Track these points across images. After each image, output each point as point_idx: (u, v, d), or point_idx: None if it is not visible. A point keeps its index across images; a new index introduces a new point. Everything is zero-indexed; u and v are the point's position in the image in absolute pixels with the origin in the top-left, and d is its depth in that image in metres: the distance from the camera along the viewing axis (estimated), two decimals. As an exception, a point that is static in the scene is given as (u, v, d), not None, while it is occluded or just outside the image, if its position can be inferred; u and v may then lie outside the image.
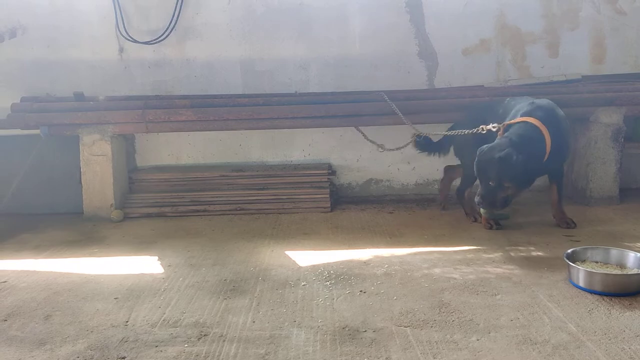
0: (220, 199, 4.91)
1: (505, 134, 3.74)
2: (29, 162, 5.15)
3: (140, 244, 4.02)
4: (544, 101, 3.95)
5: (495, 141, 3.73)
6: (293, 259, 3.57)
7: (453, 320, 2.59)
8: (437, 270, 3.25)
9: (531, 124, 3.69)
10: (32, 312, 2.80)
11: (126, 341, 2.45)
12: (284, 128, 4.94)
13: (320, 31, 5.18)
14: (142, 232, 4.36)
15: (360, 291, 2.99)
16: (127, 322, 2.66)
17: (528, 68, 5.21)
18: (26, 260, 3.71)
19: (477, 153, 3.74)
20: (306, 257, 3.57)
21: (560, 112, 3.90)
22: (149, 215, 4.84)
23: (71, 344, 2.44)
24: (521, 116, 3.79)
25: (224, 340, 2.44)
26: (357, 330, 2.52)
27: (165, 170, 5.23)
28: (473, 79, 5.11)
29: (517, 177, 3.60)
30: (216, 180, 5.05)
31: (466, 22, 5.12)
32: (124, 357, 2.30)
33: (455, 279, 3.12)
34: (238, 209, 4.84)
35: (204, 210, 4.85)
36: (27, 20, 5.18)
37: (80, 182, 4.90)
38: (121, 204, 4.92)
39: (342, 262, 3.45)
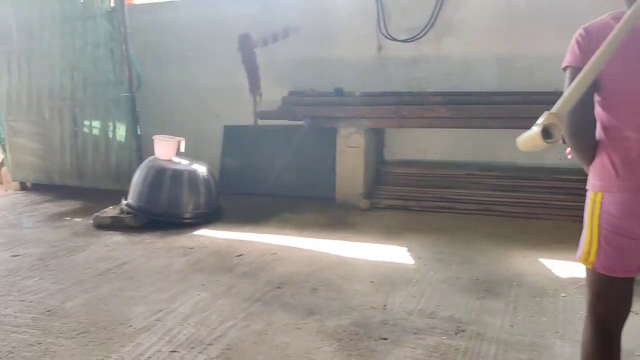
0: (465, 197, 4.84)
1: None
2: (290, 150, 5.71)
3: (388, 234, 4.18)
4: None
5: None
6: (548, 267, 3.35)
7: None
8: None
9: None
10: (300, 284, 3.10)
11: (386, 324, 2.56)
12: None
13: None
14: (388, 223, 4.52)
15: (633, 312, 2.67)
16: (385, 305, 2.78)
17: None
18: (290, 237, 4.12)
19: None
20: (564, 268, 3.32)
21: None
22: (393, 207, 5.00)
23: (336, 318, 2.64)
24: None
25: (482, 339, 2.40)
26: (632, 353, 2.26)
27: (410, 164, 5.34)
28: None
29: None
30: (462, 178, 4.99)
31: None
32: (385, 338, 2.41)
33: None
34: (483, 209, 4.72)
35: (449, 207, 4.83)
36: (299, 21, 5.71)
37: (334, 171, 5.27)
38: (368, 194, 5.17)
39: (607, 278, 3.13)
